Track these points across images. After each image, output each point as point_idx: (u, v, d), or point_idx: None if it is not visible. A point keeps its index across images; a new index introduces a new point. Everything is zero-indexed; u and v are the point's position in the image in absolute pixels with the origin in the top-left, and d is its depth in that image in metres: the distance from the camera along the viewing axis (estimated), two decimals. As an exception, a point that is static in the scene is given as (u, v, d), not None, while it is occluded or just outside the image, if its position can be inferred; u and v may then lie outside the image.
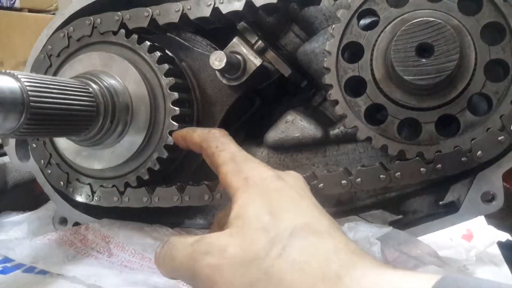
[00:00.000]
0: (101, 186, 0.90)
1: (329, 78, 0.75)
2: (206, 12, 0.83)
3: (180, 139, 0.78)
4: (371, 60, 0.73)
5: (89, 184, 0.91)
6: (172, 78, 0.84)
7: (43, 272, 0.85)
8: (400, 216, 0.87)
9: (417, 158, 0.73)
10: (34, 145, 0.94)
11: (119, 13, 0.87)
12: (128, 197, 0.89)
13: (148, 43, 0.86)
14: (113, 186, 0.89)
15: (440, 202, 0.84)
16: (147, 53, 0.85)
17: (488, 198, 0.77)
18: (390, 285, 0.45)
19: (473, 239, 0.95)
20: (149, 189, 0.88)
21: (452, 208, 0.81)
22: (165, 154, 0.85)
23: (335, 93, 0.75)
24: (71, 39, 0.90)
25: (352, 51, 0.75)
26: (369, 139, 0.74)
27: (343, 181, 0.77)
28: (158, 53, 0.85)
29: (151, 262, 0.87)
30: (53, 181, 0.95)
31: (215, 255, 0.52)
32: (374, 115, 0.76)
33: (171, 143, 0.84)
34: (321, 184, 0.78)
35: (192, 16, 0.84)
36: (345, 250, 0.50)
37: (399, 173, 0.74)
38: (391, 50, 0.68)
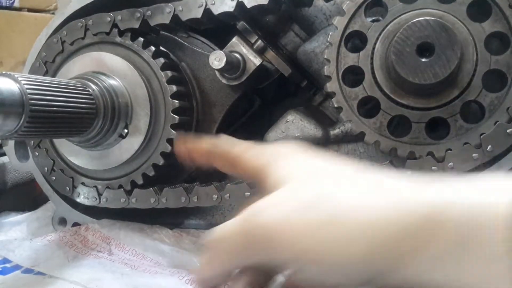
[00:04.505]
0: (107, 187, 0.90)
1: (328, 70, 0.75)
2: (198, 13, 0.83)
3: (183, 150, 0.67)
4: (373, 52, 0.72)
5: (95, 186, 0.91)
6: (169, 71, 0.84)
7: (42, 273, 0.85)
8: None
9: (428, 156, 0.72)
10: (37, 153, 0.93)
11: (111, 14, 0.87)
12: (135, 198, 0.88)
13: (141, 39, 0.86)
14: (120, 186, 0.89)
15: (441, 202, 0.83)
16: (142, 49, 0.85)
17: (489, 198, 0.77)
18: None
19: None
20: (157, 190, 0.87)
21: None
22: (168, 149, 0.85)
23: (332, 85, 0.75)
24: (65, 44, 0.90)
25: (354, 44, 0.75)
26: (362, 134, 0.74)
27: None
28: (152, 48, 0.85)
29: (152, 262, 0.86)
30: (59, 188, 0.95)
31: (275, 206, 0.47)
32: (370, 109, 0.75)
33: (174, 137, 0.83)
34: None
35: (184, 17, 0.84)
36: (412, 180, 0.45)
37: (409, 172, 0.74)
38: (392, 46, 0.68)
